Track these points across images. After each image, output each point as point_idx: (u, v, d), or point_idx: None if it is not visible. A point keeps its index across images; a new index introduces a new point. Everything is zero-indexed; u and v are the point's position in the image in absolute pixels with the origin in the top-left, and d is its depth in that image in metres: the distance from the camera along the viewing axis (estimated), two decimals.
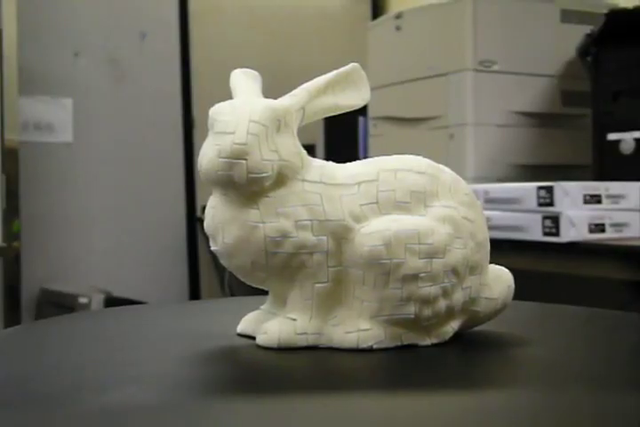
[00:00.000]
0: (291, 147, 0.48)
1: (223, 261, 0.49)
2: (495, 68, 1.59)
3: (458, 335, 0.50)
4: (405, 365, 0.45)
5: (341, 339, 0.47)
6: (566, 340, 0.53)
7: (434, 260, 0.47)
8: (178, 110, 2.43)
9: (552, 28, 1.66)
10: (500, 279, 0.52)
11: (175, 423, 0.36)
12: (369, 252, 0.46)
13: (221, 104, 0.48)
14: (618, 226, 1.25)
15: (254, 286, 0.50)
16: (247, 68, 0.57)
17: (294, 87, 0.53)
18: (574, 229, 1.22)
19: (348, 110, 0.52)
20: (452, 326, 0.49)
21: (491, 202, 1.34)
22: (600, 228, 1.24)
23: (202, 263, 2.47)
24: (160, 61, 2.42)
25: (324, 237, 0.47)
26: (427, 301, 0.47)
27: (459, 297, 0.48)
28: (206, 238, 0.49)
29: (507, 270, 0.53)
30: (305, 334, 0.47)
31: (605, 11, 1.52)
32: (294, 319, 0.48)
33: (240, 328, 0.52)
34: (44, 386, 0.41)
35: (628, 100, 1.47)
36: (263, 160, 0.46)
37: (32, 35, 2.18)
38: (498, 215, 1.32)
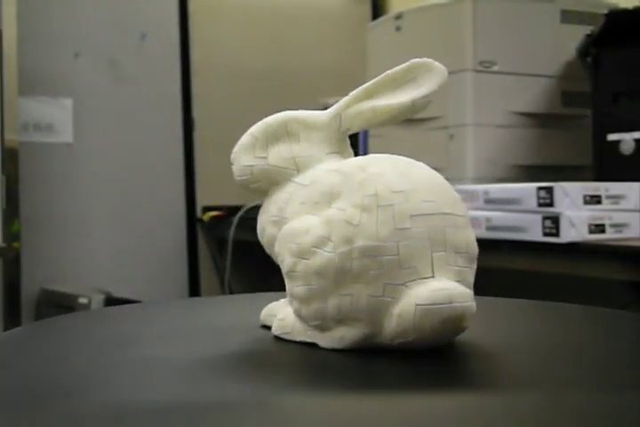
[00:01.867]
0: (283, 153, 0.52)
1: None
2: (495, 68, 1.59)
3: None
4: (402, 366, 0.45)
5: (275, 328, 0.51)
6: (566, 339, 0.53)
7: (301, 260, 0.47)
8: (178, 111, 2.43)
9: (552, 29, 1.66)
10: (432, 311, 0.44)
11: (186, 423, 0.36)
12: (274, 250, 0.50)
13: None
14: (618, 226, 1.25)
15: None
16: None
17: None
18: (574, 230, 1.22)
19: (409, 111, 0.51)
20: (348, 334, 0.47)
21: (491, 202, 1.34)
22: (600, 228, 1.24)
23: (202, 263, 2.47)
24: (160, 62, 2.42)
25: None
26: (302, 300, 0.47)
27: (335, 303, 0.46)
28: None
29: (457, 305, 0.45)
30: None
31: (605, 11, 1.52)
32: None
33: (262, 319, 0.54)
34: (57, 385, 0.41)
35: (628, 100, 1.47)
36: (243, 166, 0.56)
37: (32, 35, 2.18)
38: (498, 216, 1.32)
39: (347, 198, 0.46)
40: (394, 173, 0.47)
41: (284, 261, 0.48)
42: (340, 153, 0.52)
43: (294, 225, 0.48)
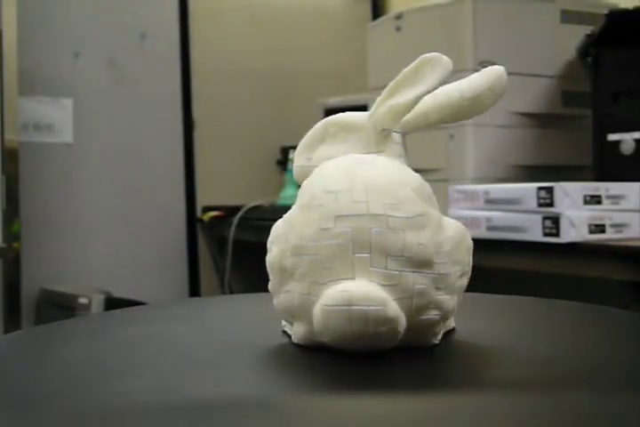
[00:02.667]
0: (323, 154, 0.52)
1: None
2: None
3: (450, 334, 0.50)
4: (403, 366, 0.45)
5: None
6: (566, 338, 0.53)
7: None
8: (178, 111, 2.43)
9: (552, 29, 1.66)
10: (332, 312, 0.44)
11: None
12: None
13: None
14: (618, 226, 1.25)
15: None
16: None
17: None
18: (574, 230, 1.22)
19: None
20: (299, 329, 0.48)
21: (491, 202, 1.34)
22: (600, 228, 1.24)
23: (202, 263, 2.47)
24: (160, 62, 2.43)
25: None
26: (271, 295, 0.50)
27: (281, 299, 0.48)
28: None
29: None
30: None
31: (605, 11, 1.52)
32: None
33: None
34: (64, 385, 0.41)
35: (629, 100, 1.47)
36: (296, 166, 0.54)
37: (32, 35, 2.19)
38: (498, 216, 1.32)
39: (298, 199, 0.49)
40: (339, 173, 0.47)
41: None
42: (380, 153, 0.51)
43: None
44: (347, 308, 0.43)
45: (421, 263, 0.45)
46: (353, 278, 0.44)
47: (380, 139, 0.52)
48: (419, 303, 0.45)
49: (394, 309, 0.44)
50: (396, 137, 0.53)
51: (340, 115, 0.54)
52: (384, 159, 0.50)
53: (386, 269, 0.44)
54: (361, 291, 0.43)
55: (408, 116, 0.52)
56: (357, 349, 0.45)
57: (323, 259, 0.45)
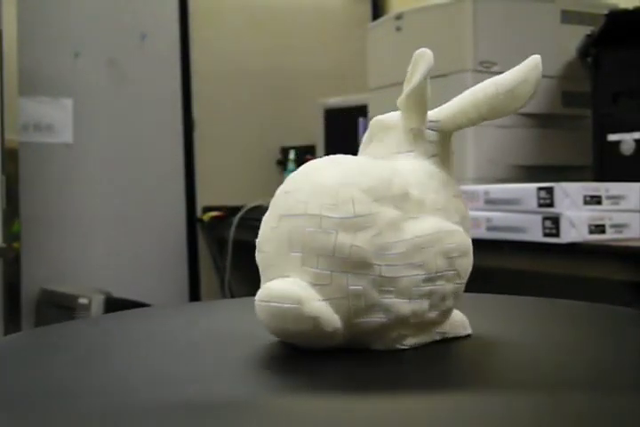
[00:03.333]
0: (367, 154, 0.53)
1: None
2: (495, 68, 1.59)
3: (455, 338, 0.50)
4: (402, 366, 0.45)
5: None
6: (566, 337, 0.53)
7: None
8: (178, 111, 2.43)
9: (552, 29, 1.66)
10: (259, 308, 0.46)
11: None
12: None
13: None
14: (618, 227, 1.25)
15: None
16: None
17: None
18: (574, 230, 1.22)
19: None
20: None
21: (491, 203, 1.34)
22: (600, 229, 1.24)
23: (202, 264, 2.47)
24: (160, 62, 2.43)
25: None
26: None
27: None
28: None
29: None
30: None
31: (605, 11, 1.52)
32: None
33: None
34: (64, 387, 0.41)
35: (629, 100, 1.47)
36: None
37: (32, 35, 2.19)
38: (498, 216, 1.32)
39: None
40: (300, 174, 0.49)
41: None
42: (414, 151, 0.51)
43: None
44: (266, 304, 0.45)
45: (356, 265, 0.45)
46: (288, 277, 0.46)
47: (410, 138, 0.52)
48: (357, 305, 0.45)
49: (312, 308, 0.44)
50: (430, 135, 0.52)
51: (385, 114, 0.53)
52: (361, 159, 0.49)
53: (317, 268, 0.45)
54: (278, 288, 0.45)
55: (447, 114, 0.52)
56: (302, 345, 0.46)
57: (269, 256, 0.47)
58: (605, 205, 1.25)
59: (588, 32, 1.56)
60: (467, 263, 0.49)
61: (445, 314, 0.49)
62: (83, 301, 2.07)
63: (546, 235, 1.24)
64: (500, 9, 1.61)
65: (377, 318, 0.46)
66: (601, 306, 0.63)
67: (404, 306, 0.46)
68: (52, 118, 2.26)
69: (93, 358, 0.49)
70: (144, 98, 2.38)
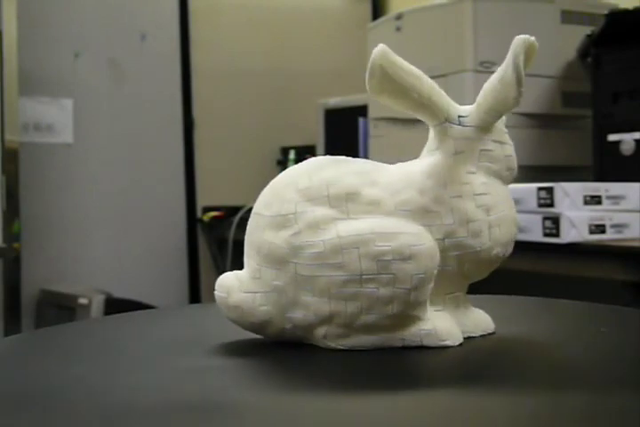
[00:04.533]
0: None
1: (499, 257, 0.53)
2: (495, 68, 1.58)
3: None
4: (402, 366, 0.45)
5: None
6: (566, 337, 0.53)
7: None
8: (178, 111, 2.43)
9: (552, 29, 1.66)
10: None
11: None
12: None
13: None
14: (618, 227, 1.25)
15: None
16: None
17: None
18: (574, 230, 1.22)
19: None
20: None
21: None
22: (600, 229, 1.24)
23: (202, 264, 2.47)
24: (160, 62, 2.42)
25: None
26: None
27: None
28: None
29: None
30: None
31: (605, 12, 1.52)
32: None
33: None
34: (67, 390, 0.41)
35: (629, 100, 1.47)
36: None
37: (32, 35, 2.18)
38: None
39: None
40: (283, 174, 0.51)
41: None
42: (439, 149, 0.51)
43: None
44: (214, 291, 0.50)
45: (276, 261, 0.47)
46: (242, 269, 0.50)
47: (436, 135, 0.51)
48: (281, 300, 0.47)
49: (236, 298, 0.48)
50: (457, 132, 0.51)
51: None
52: (335, 160, 0.49)
53: (254, 263, 0.48)
54: (220, 279, 0.50)
55: (472, 111, 0.52)
56: (258, 335, 0.50)
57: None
58: (605, 205, 1.25)
59: (588, 32, 1.56)
60: (411, 268, 0.46)
61: (399, 320, 0.47)
62: (83, 301, 2.06)
63: (546, 235, 1.24)
64: (500, 9, 1.61)
65: (299, 315, 0.47)
66: (601, 306, 0.63)
67: (323, 306, 0.46)
68: (52, 118, 2.26)
69: (93, 359, 0.49)
70: (144, 98, 2.38)
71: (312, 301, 0.46)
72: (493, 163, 0.53)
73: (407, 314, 0.47)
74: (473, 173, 0.50)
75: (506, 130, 0.56)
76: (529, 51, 0.49)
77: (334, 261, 0.46)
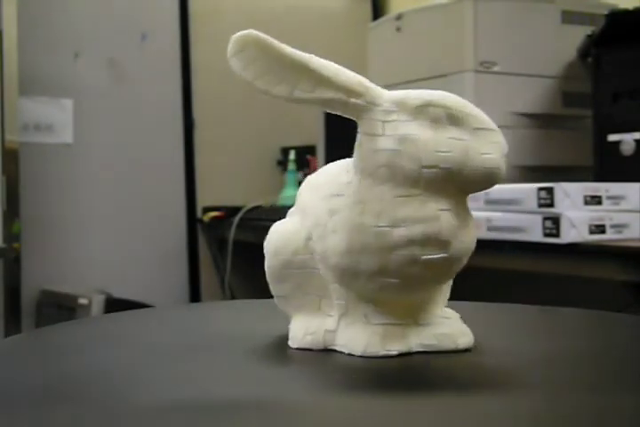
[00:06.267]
0: None
1: (438, 271, 0.45)
2: (496, 69, 1.59)
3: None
4: (404, 369, 0.45)
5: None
6: (564, 341, 0.53)
7: None
8: (178, 111, 2.43)
9: (553, 29, 1.66)
10: None
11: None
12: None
13: (453, 96, 0.46)
14: (618, 227, 1.25)
15: (418, 297, 0.47)
16: None
17: None
18: (575, 230, 1.22)
19: None
20: None
21: (491, 203, 1.33)
22: (600, 229, 1.23)
23: (202, 264, 2.46)
24: (160, 62, 2.42)
25: None
26: None
27: None
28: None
29: None
30: None
31: (606, 12, 1.52)
32: (450, 318, 0.49)
33: (386, 349, 0.46)
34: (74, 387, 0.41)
35: (629, 101, 1.47)
36: None
37: (32, 35, 2.18)
38: (498, 216, 1.32)
39: None
40: None
41: None
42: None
43: None
44: None
45: None
46: None
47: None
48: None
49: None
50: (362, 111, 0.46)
51: None
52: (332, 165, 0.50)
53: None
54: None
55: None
56: None
57: None
58: (605, 205, 1.25)
59: (589, 32, 1.56)
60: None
61: None
62: (83, 301, 2.06)
63: (546, 235, 1.24)
64: (500, 9, 1.61)
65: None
66: (599, 313, 0.63)
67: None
68: (52, 118, 2.26)
69: (93, 359, 0.49)
70: (144, 98, 2.38)
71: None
72: (360, 159, 0.45)
73: None
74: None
75: (400, 118, 0.44)
76: None
77: None
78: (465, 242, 0.45)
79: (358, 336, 0.46)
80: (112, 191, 2.34)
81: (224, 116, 2.50)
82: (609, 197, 1.25)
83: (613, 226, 1.25)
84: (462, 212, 0.45)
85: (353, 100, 0.45)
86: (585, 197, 1.23)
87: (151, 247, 2.39)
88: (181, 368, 0.45)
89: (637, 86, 1.45)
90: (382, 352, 0.46)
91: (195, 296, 2.46)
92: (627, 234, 1.26)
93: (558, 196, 1.22)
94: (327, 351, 0.48)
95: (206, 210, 2.41)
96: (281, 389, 0.41)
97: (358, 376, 0.44)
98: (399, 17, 1.75)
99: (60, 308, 2.11)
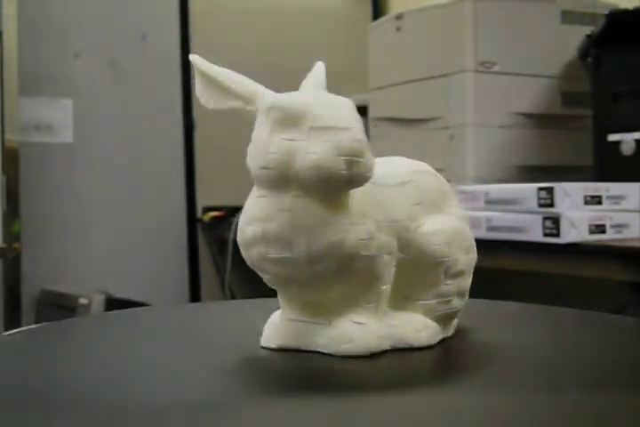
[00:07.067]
0: None
1: (292, 270, 0.44)
2: (496, 68, 1.59)
3: (455, 336, 0.50)
4: (399, 367, 0.45)
5: (414, 338, 0.48)
6: (563, 341, 0.53)
7: (470, 255, 0.51)
8: (178, 111, 2.43)
9: (552, 29, 1.66)
10: None
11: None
12: (434, 251, 0.48)
13: (303, 97, 0.47)
14: (618, 227, 1.25)
15: (311, 297, 0.47)
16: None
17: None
18: (575, 230, 1.22)
19: None
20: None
21: (491, 203, 1.33)
22: (600, 229, 1.23)
23: (202, 264, 2.46)
24: (160, 62, 2.42)
25: (392, 238, 0.47)
26: (464, 294, 0.51)
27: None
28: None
29: None
30: (383, 337, 0.47)
31: (606, 12, 1.52)
32: (364, 324, 0.46)
33: (277, 343, 0.48)
34: (70, 387, 0.41)
35: (629, 100, 1.47)
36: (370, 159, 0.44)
37: (32, 35, 2.18)
38: (498, 216, 1.32)
39: (452, 198, 0.53)
40: None
41: (459, 260, 0.50)
42: None
43: (454, 225, 0.51)
44: None
45: None
46: None
47: None
48: None
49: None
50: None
51: None
52: (388, 159, 0.52)
53: None
54: None
55: None
56: None
57: None
58: (606, 205, 1.25)
59: (588, 32, 1.56)
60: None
61: None
62: (83, 301, 2.06)
63: (546, 235, 1.24)
64: (500, 9, 1.61)
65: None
66: (594, 313, 0.63)
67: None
68: (52, 118, 2.26)
69: (92, 358, 0.49)
70: (144, 98, 2.38)
71: None
72: (252, 161, 0.46)
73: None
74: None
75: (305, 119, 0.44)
76: None
77: None
78: (319, 244, 0.43)
79: (274, 330, 0.49)
80: (112, 191, 2.34)
81: (224, 116, 2.49)
82: (609, 197, 1.25)
83: (613, 226, 1.25)
84: (318, 212, 0.44)
85: (249, 107, 0.50)
86: (585, 196, 1.23)
87: (151, 247, 2.39)
88: (181, 368, 0.45)
89: (637, 86, 1.45)
90: (272, 345, 0.48)
91: (194, 296, 2.46)
92: (627, 234, 1.26)
93: (558, 196, 1.22)
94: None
95: (206, 210, 2.41)
96: (281, 389, 0.41)
97: (347, 375, 0.44)
98: (399, 17, 1.75)
99: (59, 308, 2.11)
